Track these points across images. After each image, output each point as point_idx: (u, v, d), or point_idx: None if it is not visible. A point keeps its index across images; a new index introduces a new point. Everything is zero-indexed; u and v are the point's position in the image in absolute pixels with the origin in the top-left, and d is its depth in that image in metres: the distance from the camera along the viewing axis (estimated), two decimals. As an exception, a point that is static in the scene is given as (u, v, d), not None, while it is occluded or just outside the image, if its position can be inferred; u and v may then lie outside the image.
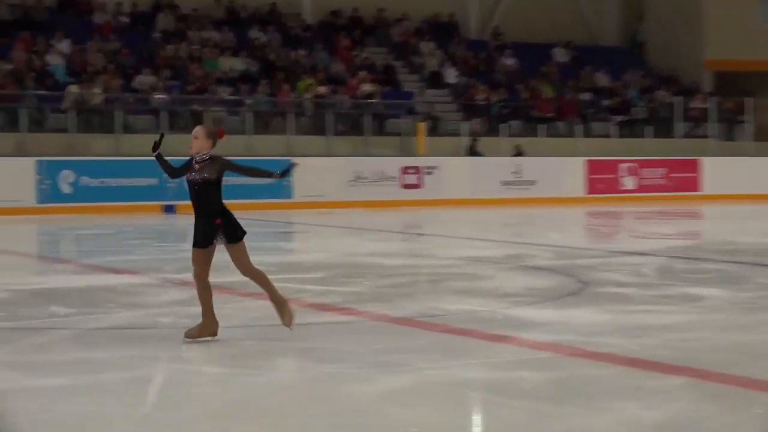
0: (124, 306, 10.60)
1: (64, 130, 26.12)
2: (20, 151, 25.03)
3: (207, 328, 8.53)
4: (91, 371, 7.51)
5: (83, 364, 7.76)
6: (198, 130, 8.50)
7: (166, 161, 8.78)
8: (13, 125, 25.86)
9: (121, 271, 13.50)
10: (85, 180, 24.58)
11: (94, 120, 27.25)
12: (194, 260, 8.55)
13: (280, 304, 8.70)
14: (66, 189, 24.36)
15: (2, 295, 11.28)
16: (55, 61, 28.81)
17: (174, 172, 8.68)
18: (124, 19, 32.29)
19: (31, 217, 23.37)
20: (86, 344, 8.58)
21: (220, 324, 8.52)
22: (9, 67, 27.72)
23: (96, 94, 27.65)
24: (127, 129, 26.74)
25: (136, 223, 22.09)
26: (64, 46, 29.51)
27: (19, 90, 26.91)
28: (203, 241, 8.46)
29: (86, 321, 9.68)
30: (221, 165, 8.45)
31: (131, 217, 23.36)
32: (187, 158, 8.57)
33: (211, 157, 8.47)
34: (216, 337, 8.55)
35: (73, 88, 27.52)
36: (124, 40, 30.80)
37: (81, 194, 24.46)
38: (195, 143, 8.47)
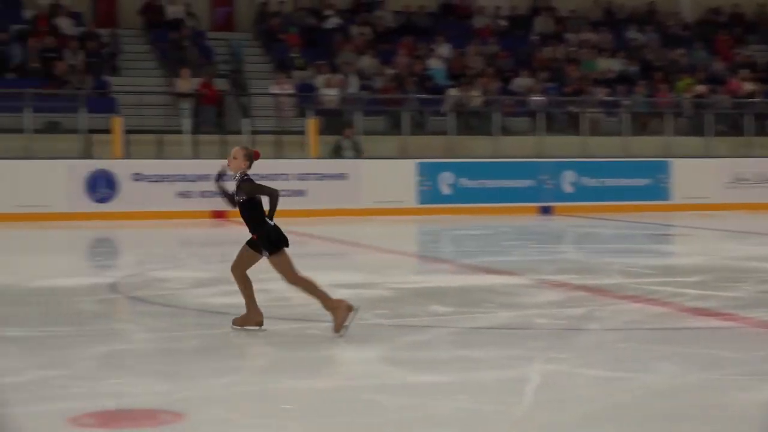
0: (502, 306, 10.71)
1: (443, 133, 26.67)
2: (402, 153, 25.77)
3: (251, 319, 8.98)
4: (469, 370, 7.63)
5: (461, 363, 7.89)
6: (237, 150, 8.85)
7: (228, 192, 8.98)
8: (395, 128, 26.65)
9: (499, 271, 13.64)
10: (464, 181, 25.01)
11: (472, 122, 27.70)
12: (241, 252, 8.91)
13: (333, 309, 8.82)
14: (445, 190, 24.87)
15: (385, 293, 11.63)
16: (435, 64, 29.51)
17: (233, 200, 8.94)
18: (503, 23, 32.68)
19: (412, 217, 24.01)
20: (464, 343, 8.72)
21: (598, 327, 8.46)
22: (392, 71, 28.63)
23: (475, 97, 28.11)
24: (505, 131, 27.01)
25: (513, 224, 22.28)
26: (445, 50, 30.18)
27: (401, 94, 27.74)
28: (251, 243, 8.86)
29: (464, 320, 9.84)
30: (251, 188, 8.75)
31: (508, 218, 23.59)
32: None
33: (245, 178, 8.79)
34: (262, 327, 8.96)
35: (453, 91, 28.09)
36: (502, 43, 31.17)
37: (460, 195, 24.91)
38: (233, 163, 8.84)
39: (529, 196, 25.22)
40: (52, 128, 24.46)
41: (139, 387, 7.13)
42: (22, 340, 8.96)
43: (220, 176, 9.06)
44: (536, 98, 28.34)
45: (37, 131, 23.63)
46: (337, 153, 24.96)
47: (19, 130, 23.40)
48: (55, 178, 22.50)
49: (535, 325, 9.57)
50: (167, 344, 8.82)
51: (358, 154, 25.03)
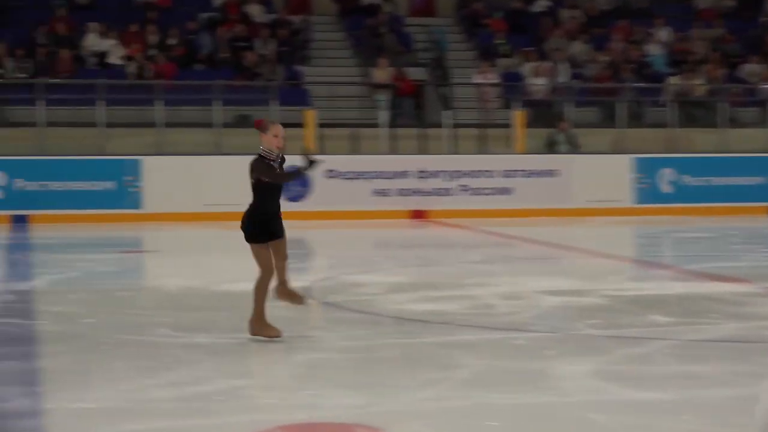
0: (729, 317, 10.51)
1: (663, 125, 26.27)
2: (617, 148, 25.47)
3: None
4: (693, 386, 7.51)
5: (684, 379, 7.77)
6: (282, 129, 9.45)
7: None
8: (609, 120, 26.37)
9: (726, 278, 13.37)
10: (687, 179, 24.58)
11: (696, 113, 27.22)
12: (263, 259, 9.57)
13: (288, 298, 9.50)
14: (666, 188, 24.48)
15: (599, 301, 11.52)
16: (654, 50, 29.10)
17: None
18: (730, 3, 32.05)
19: (628, 218, 23.73)
20: (687, 357, 8.59)
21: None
22: (606, 58, 28.34)
23: (698, 85, 27.63)
24: (733, 122, 26.46)
25: (742, 226, 21.82)
26: (664, 34, 29.73)
27: (616, 82, 27.43)
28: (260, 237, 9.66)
29: (687, 332, 9.68)
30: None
31: (736, 220, 23.09)
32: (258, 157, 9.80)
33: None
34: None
35: (674, 79, 27.66)
36: (729, 25, 30.55)
37: (682, 194, 24.48)
38: (283, 142, 9.44)
39: (760, 194, 24.62)
40: (242, 122, 24.97)
41: (334, 399, 7.21)
42: (211, 347, 9.17)
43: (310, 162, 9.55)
44: (767, 86, 27.71)
45: (226, 125, 24.15)
46: (550, 147, 24.84)
47: (208, 125, 23.96)
48: (243, 175, 22.89)
49: (766, 338, 9.35)
50: (363, 354, 8.91)
51: (574, 148, 24.83)
